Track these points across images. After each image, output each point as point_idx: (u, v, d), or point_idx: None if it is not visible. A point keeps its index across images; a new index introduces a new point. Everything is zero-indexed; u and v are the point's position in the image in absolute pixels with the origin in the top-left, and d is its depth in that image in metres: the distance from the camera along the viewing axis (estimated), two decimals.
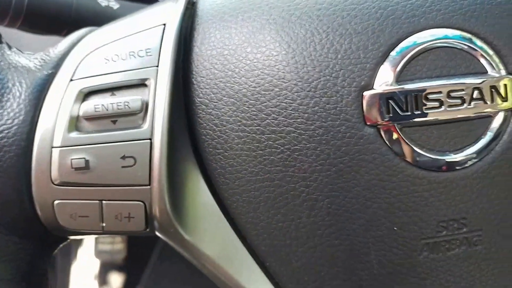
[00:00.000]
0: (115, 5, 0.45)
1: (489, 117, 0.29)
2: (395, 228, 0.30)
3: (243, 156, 0.30)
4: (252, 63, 0.30)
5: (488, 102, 0.29)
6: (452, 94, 0.29)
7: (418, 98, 0.28)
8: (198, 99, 0.31)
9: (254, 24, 0.31)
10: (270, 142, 0.30)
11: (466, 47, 0.29)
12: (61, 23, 0.43)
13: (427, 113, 0.29)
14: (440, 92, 0.28)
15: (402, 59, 0.29)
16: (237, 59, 0.30)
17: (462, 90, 0.29)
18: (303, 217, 0.30)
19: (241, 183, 0.30)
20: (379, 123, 0.29)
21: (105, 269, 0.71)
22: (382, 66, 0.29)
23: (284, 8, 0.30)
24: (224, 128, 0.30)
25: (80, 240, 0.69)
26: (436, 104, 0.29)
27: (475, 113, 0.29)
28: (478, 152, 0.30)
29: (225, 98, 0.30)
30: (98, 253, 0.71)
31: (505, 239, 0.31)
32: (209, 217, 0.31)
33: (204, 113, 0.31)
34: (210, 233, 0.31)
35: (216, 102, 0.30)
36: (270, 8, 0.31)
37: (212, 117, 0.31)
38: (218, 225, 0.31)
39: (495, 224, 0.31)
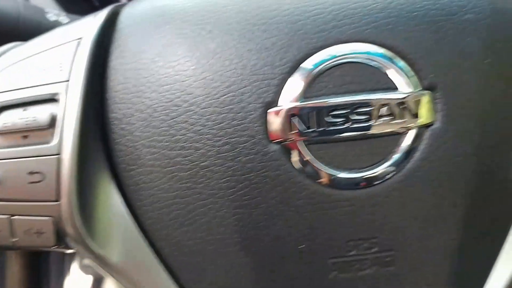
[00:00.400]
0: (64, 20, 0.46)
1: (399, 134, 0.29)
2: (302, 246, 0.29)
3: (154, 173, 0.30)
4: (163, 78, 0.30)
5: (398, 119, 0.28)
6: (358, 110, 0.28)
7: (321, 115, 0.28)
8: (112, 114, 0.31)
9: (167, 38, 0.30)
10: (179, 159, 0.29)
11: (377, 62, 0.29)
12: (9, 39, 0.44)
13: (332, 130, 0.28)
14: (345, 109, 0.28)
15: (310, 75, 0.28)
16: (149, 74, 0.30)
17: (369, 106, 0.28)
18: (213, 234, 0.30)
19: (154, 200, 0.30)
20: (283, 140, 0.28)
21: (98, 284, 0.71)
22: (288, 82, 0.28)
23: (197, 21, 0.30)
24: (136, 144, 0.30)
25: (73, 255, 0.69)
26: (341, 120, 0.28)
27: (383, 130, 0.28)
28: (388, 171, 0.29)
29: (137, 113, 0.30)
30: (83, 268, 0.71)
31: (417, 260, 0.30)
32: (123, 232, 0.31)
33: (117, 128, 0.31)
34: (124, 249, 0.31)
35: (129, 118, 0.30)
36: (183, 22, 0.30)
37: (125, 132, 0.30)
38: (132, 240, 0.31)
39: (407, 244, 0.30)
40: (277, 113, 0.28)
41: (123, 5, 0.35)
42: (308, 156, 0.28)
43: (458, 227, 0.30)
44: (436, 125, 0.29)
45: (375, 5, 0.29)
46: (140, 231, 0.31)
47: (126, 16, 0.33)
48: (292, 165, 0.28)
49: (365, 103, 0.28)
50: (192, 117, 0.29)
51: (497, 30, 0.31)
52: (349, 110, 0.28)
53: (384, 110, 0.28)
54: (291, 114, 0.28)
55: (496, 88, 0.30)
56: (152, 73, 0.30)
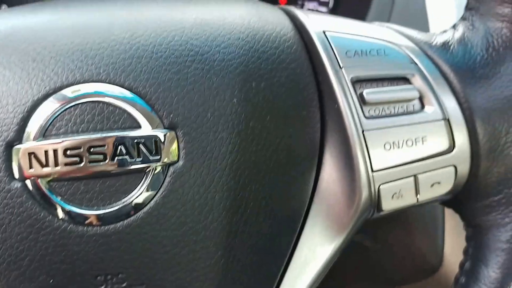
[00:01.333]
0: None
1: (141, 172, 0.29)
2: (51, 281, 0.30)
3: None
4: None
5: (138, 158, 0.29)
6: (93, 149, 0.29)
7: (57, 154, 0.29)
8: None
9: None
10: None
11: (119, 101, 0.29)
12: None
13: (68, 169, 0.29)
14: (79, 148, 0.29)
15: (49, 114, 0.29)
16: None
17: (103, 145, 0.29)
18: None
19: None
20: (25, 177, 0.29)
21: None
22: (30, 121, 0.29)
23: None
24: None
25: None
26: (76, 159, 0.29)
27: (121, 169, 0.29)
28: (130, 207, 0.30)
29: None
30: None
31: None
32: None
33: None
34: None
35: None
36: None
37: None
38: None
39: (157, 279, 0.30)
40: (18, 151, 0.29)
41: None
42: (49, 193, 0.29)
43: (212, 260, 0.31)
44: (179, 163, 0.30)
45: (118, 46, 0.30)
46: None
47: None
48: (35, 202, 0.29)
49: (100, 142, 0.29)
50: None
51: (249, 69, 0.31)
52: (83, 149, 0.29)
53: (123, 149, 0.29)
54: (30, 152, 0.29)
55: (245, 126, 0.31)
56: None
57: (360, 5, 0.74)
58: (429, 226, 0.62)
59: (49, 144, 0.29)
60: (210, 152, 0.30)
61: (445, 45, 0.35)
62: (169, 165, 0.30)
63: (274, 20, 0.34)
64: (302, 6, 0.82)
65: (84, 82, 0.29)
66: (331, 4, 0.82)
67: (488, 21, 0.34)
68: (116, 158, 0.29)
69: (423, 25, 0.67)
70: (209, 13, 0.33)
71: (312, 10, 0.82)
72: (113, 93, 0.29)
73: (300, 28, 0.34)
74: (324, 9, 0.82)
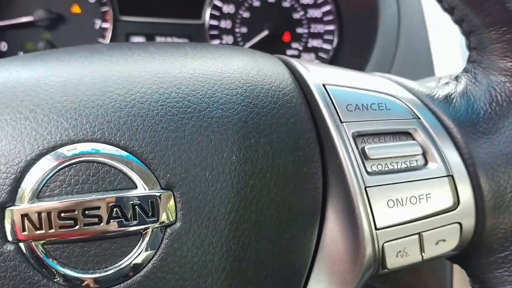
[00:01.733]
0: None
1: (138, 234, 0.29)
2: None
3: None
4: None
5: (134, 220, 0.28)
6: (88, 212, 0.28)
7: (51, 217, 0.28)
8: None
9: None
10: None
11: (114, 161, 0.29)
12: None
13: (62, 232, 0.28)
14: (73, 211, 0.28)
15: (42, 174, 0.28)
16: None
17: (98, 208, 0.28)
18: None
19: None
20: (19, 240, 0.28)
21: None
22: (23, 182, 0.28)
23: None
24: None
25: None
26: (71, 222, 0.28)
27: (117, 231, 0.28)
28: (129, 268, 0.29)
29: None
30: None
31: None
32: None
33: None
34: None
35: None
36: None
37: None
38: None
39: None
40: (11, 213, 0.28)
41: None
42: (44, 256, 0.28)
43: None
44: (177, 224, 0.29)
45: (113, 103, 0.30)
46: None
47: None
48: (30, 265, 0.28)
49: (95, 204, 0.28)
50: None
51: (248, 125, 0.31)
52: (78, 212, 0.28)
53: (118, 211, 0.28)
54: (22, 214, 0.28)
55: (245, 184, 0.30)
56: None
57: (364, 43, 0.74)
58: (437, 268, 0.61)
59: (43, 206, 0.28)
60: (209, 212, 0.30)
61: (447, 98, 0.35)
62: (166, 226, 0.29)
63: (273, 73, 0.34)
64: (306, 44, 0.83)
65: (78, 141, 0.29)
66: (335, 43, 0.82)
67: (491, 74, 0.34)
68: (112, 220, 0.28)
69: (428, 64, 0.66)
70: (207, 67, 0.33)
71: (317, 47, 0.83)
72: (108, 152, 0.29)
73: (299, 81, 0.34)
74: (328, 46, 0.82)
